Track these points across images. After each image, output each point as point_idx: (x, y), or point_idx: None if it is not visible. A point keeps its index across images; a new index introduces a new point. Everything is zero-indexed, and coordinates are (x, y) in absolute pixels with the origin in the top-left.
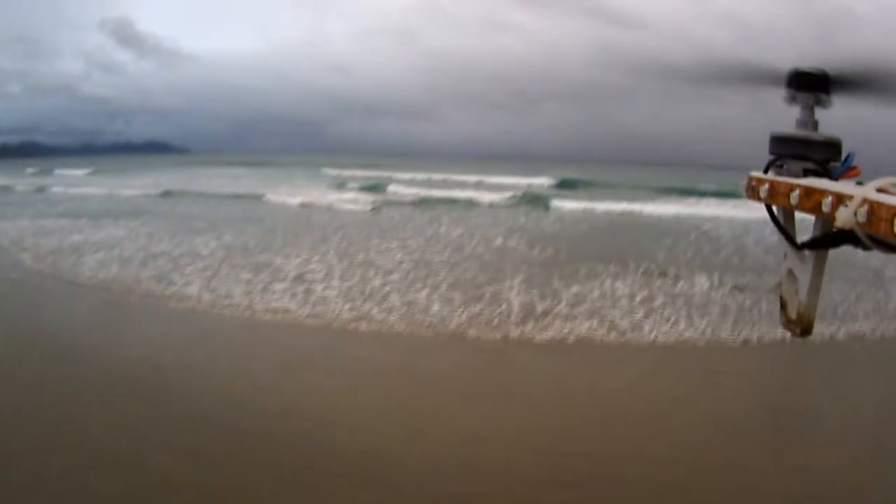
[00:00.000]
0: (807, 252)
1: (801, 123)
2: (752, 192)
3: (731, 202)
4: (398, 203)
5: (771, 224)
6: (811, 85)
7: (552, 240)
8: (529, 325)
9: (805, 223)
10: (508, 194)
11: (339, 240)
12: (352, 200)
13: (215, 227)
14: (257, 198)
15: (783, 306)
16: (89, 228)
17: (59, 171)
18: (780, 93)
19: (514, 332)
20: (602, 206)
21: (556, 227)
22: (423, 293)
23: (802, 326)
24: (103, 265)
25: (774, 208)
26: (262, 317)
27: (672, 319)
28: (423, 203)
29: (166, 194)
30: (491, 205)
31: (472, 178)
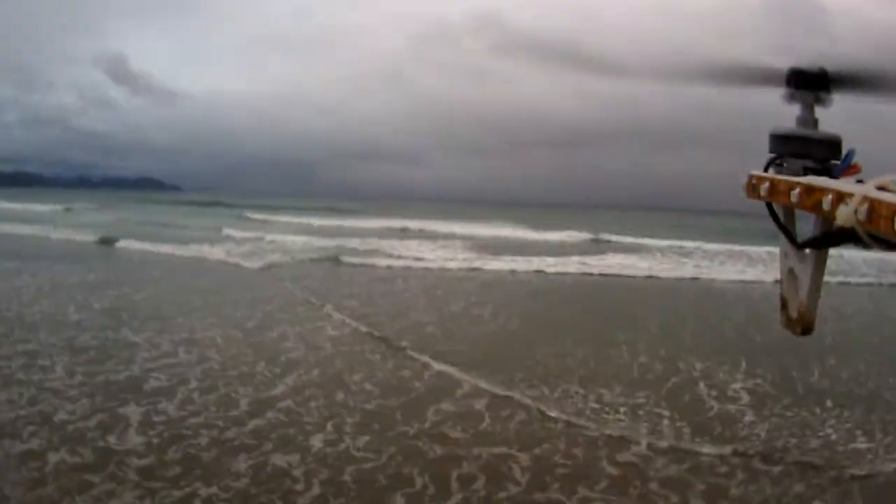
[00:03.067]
0: (807, 251)
1: (801, 121)
2: (753, 191)
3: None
4: (308, 260)
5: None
6: (811, 83)
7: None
8: None
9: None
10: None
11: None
12: (248, 255)
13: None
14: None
15: (783, 305)
16: None
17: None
18: (780, 92)
19: None
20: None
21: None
22: None
23: (803, 325)
24: None
25: (775, 206)
26: None
27: None
28: (335, 263)
29: None
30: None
31: (444, 228)
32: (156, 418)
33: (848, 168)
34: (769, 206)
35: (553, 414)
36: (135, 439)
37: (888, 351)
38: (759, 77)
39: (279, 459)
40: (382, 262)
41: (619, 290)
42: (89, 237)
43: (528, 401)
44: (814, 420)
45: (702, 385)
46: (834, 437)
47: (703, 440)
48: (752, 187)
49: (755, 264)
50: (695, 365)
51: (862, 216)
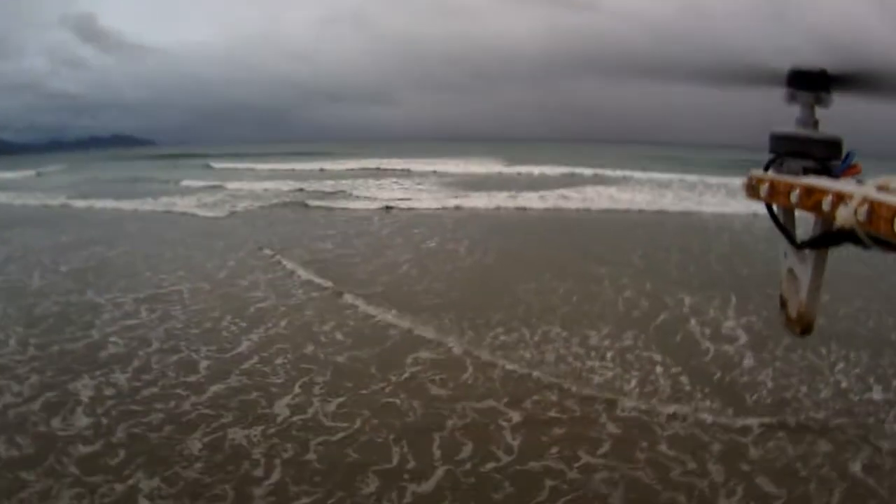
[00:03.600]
0: (807, 251)
1: (802, 122)
2: (752, 191)
3: None
4: (277, 205)
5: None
6: (811, 83)
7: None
8: None
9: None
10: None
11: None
12: (212, 205)
13: None
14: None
15: (783, 305)
16: None
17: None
18: (780, 92)
19: None
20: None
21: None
22: None
23: (802, 326)
24: None
25: (775, 207)
26: None
27: None
28: (303, 207)
29: None
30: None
31: (419, 167)
32: (107, 392)
33: (848, 169)
34: (769, 206)
35: (536, 374)
36: (81, 421)
37: (882, 285)
38: (760, 77)
39: (238, 434)
40: (354, 204)
41: (600, 223)
42: (60, 199)
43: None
44: (822, 365)
45: (693, 322)
46: (844, 384)
47: (706, 395)
48: (752, 188)
49: (735, 195)
50: (684, 300)
51: (862, 217)
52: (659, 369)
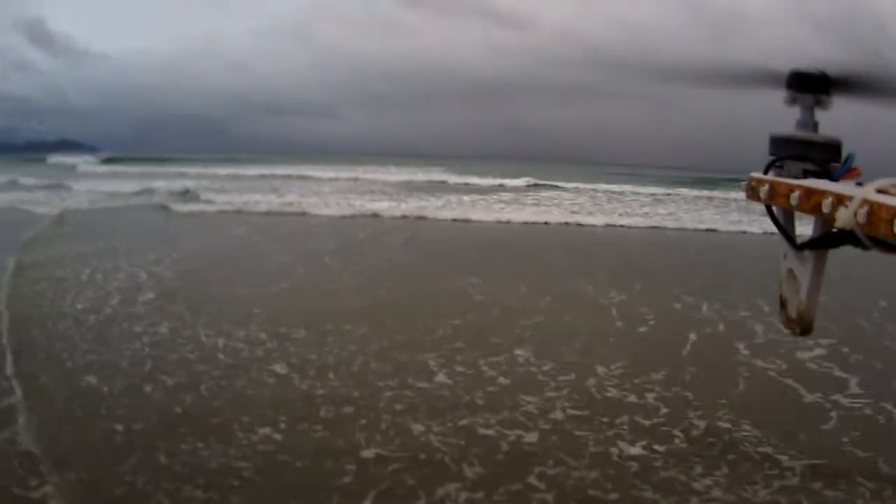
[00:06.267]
0: (807, 252)
1: (801, 124)
2: (752, 193)
3: None
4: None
5: None
6: (811, 86)
7: None
8: None
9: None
10: None
11: None
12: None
13: None
14: None
15: (783, 305)
16: None
17: None
18: (780, 94)
19: None
20: None
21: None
22: None
23: (802, 326)
24: None
25: (774, 209)
26: None
27: None
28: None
29: None
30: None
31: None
32: None
33: (848, 171)
34: (769, 208)
35: None
36: None
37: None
38: (759, 79)
39: None
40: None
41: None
42: None
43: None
44: None
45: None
46: None
47: None
48: (752, 189)
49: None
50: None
51: (861, 219)
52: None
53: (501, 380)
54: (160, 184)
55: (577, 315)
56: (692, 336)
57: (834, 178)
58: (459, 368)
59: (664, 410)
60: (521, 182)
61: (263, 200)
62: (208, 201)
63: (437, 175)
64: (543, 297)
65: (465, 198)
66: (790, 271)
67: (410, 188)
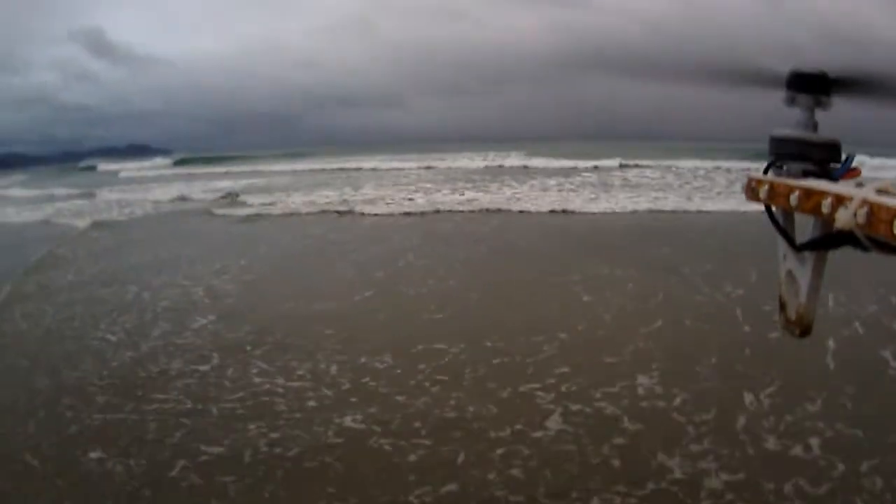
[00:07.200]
0: (806, 253)
1: (801, 125)
2: (752, 193)
3: None
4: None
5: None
6: (811, 86)
7: None
8: None
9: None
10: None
11: None
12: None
13: None
14: None
15: (782, 307)
16: None
17: None
18: (780, 94)
19: None
20: None
21: None
22: None
23: (802, 328)
24: None
25: (774, 209)
26: None
27: None
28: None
29: None
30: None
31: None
32: None
33: (847, 172)
34: (768, 208)
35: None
36: None
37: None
38: (759, 79)
39: None
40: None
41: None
42: None
43: None
44: None
45: None
46: None
47: None
48: (752, 190)
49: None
50: None
51: (861, 219)
52: None
53: (627, 423)
54: (225, 183)
55: (700, 321)
56: (886, 355)
57: (834, 179)
58: (574, 406)
59: (840, 468)
60: (613, 162)
61: (335, 196)
62: (275, 202)
63: (516, 160)
64: (655, 298)
65: (551, 181)
66: (789, 272)
67: (494, 174)
